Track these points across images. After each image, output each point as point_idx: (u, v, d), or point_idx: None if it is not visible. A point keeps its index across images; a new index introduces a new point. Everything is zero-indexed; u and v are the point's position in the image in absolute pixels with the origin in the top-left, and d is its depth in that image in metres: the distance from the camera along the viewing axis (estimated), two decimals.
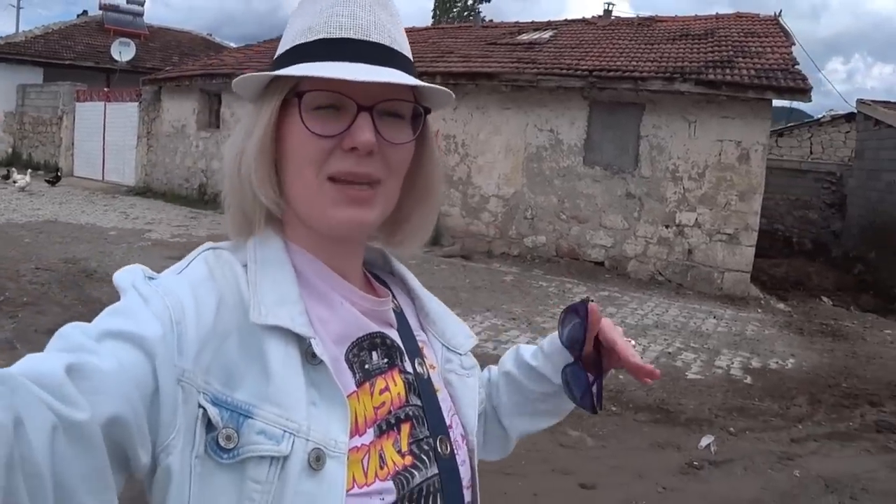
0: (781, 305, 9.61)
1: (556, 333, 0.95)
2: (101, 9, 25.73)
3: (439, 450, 0.79)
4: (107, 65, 22.32)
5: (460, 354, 0.90)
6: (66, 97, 20.26)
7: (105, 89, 20.10)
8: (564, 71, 10.36)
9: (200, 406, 0.64)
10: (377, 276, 0.91)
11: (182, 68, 17.62)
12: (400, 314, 0.87)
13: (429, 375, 0.83)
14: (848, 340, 7.99)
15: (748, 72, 9.53)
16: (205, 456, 0.64)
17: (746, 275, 9.74)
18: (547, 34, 13.32)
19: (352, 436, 0.70)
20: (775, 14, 12.86)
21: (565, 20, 14.74)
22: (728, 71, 9.64)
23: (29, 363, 0.56)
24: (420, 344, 0.87)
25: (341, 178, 0.72)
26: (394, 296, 0.89)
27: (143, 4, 26.81)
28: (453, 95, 0.79)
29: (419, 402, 0.80)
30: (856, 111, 15.21)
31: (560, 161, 10.90)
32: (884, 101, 14.27)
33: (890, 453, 4.82)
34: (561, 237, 10.92)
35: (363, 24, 0.73)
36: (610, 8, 14.24)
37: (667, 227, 10.13)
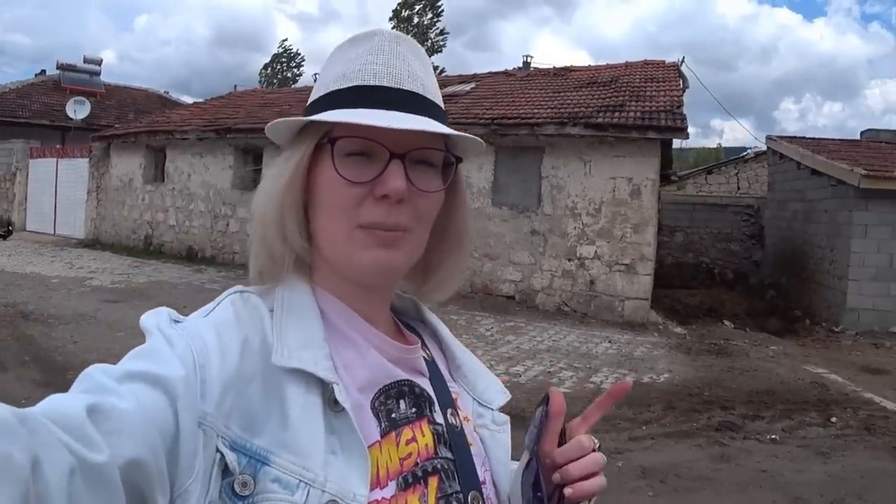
0: (679, 329, 10.11)
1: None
2: (58, 68, 26.34)
3: None
4: (62, 122, 22.73)
5: (492, 409, 0.87)
6: (20, 154, 20.70)
7: (58, 146, 20.56)
8: (470, 120, 11.08)
9: (218, 450, 0.62)
10: (408, 324, 0.89)
11: (129, 125, 18.18)
12: (432, 363, 0.84)
13: (462, 427, 0.80)
14: (731, 357, 8.46)
15: (635, 114, 10.31)
16: (218, 502, 0.62)
17: (645, 302, 10.34)
18: (469, 86, 14.16)
19: (372, 488, 0.67)
20: (678, 60, 13.83)
21: (489, 73, 15.63)
22: (616, 114, 10.40)
23: (50, 403, 0.54)
24: (454, 394, 0.84)
25: (371, 227, 0.71)
26: (424, 345, 0.87)
27: (100, 64, 27.54)
28: (483, 144, 0.80)
29: (450, 455, 0.76)
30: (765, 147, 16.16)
31: (471, 203, 11.09)
32: (789, 137, 15.03)
33: (720, 447, 5.20)
34: (475, 274, 11.41)
35: (396, 73, 0.74)
36: (528, 60, 15.20)
37: (569, 260, 10.75)
